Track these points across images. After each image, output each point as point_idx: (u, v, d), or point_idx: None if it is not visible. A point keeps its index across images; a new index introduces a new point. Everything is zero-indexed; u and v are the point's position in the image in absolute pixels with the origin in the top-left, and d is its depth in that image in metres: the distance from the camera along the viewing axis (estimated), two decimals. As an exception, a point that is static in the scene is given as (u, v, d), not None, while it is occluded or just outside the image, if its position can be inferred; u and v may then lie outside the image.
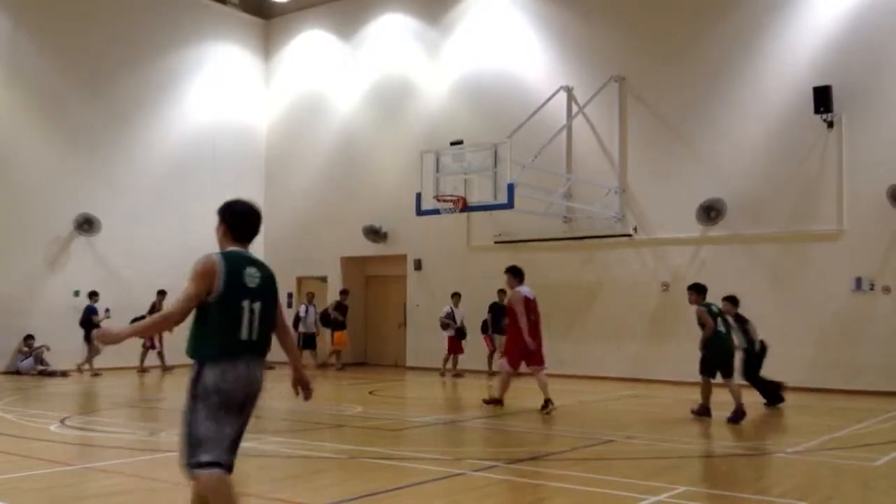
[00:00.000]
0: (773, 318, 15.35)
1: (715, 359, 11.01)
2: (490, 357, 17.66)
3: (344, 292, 20.25)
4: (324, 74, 22.60)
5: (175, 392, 13.85)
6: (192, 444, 4.22)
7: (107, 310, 17.96)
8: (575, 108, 18.01)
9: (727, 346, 11.11)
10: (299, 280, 22.35)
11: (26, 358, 17.74)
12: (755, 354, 12.28)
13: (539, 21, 18.99)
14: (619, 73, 17.54)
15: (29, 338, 17.86)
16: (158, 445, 8.93)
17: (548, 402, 11.39)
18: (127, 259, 19.55)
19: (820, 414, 12.08)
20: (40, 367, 17.61)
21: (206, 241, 5.53)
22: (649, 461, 8.17)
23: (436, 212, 15.29)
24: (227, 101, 22.63)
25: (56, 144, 19.11)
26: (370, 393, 14.80)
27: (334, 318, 19.79)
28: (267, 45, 23.87)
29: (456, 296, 18.34)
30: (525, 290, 11.69)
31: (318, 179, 22.34)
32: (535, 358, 11.58)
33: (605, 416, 11.80)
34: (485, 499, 6.45)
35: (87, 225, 19.12)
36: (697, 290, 11.33)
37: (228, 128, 22.51)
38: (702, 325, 11.00)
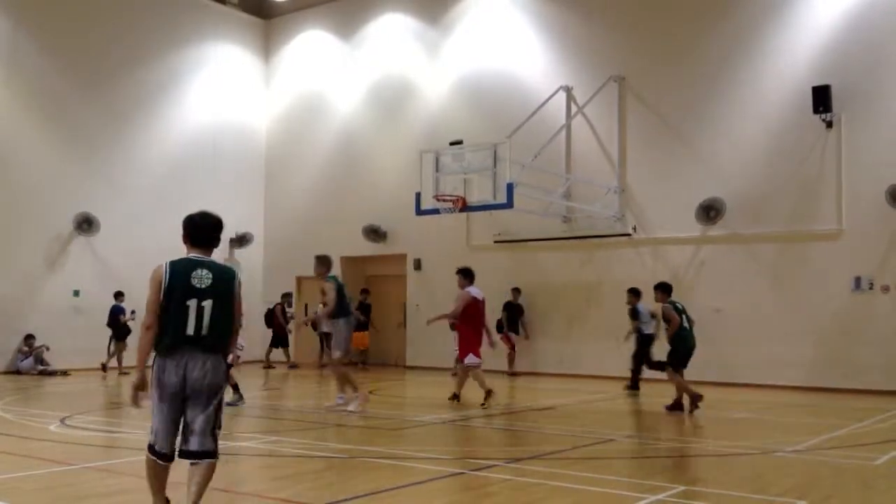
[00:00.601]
0: (772, 318, 15.43)
1: (681, 352, 11.59)
2: (510, 356, 17.74)
3: (365, 291, 20.36)
4: (324, 74, 22.61)
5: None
6: (151, 428, 4.98)
7: (132, 311, 17.71)
8: (574, 108, 18.02)
9: (690, 342, 11.65)
10: (299, 280, 22.34)
11: (26, 357, 17.76)
12: (650, 343, 14.30)
13: (539, 21, 19.00)
14: (618, 72, 17.55)
15: (29, 337, 17.87)
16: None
17: (456, 395, 12.51)
18: (126, 259, 19.47)
19: (820, 413, 12.10)
20: (40, 367, 17.64)
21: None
22: (649, 460, 8.19)
23: (435, 211, 15.30)
24: (227, 101, 22.64)
25: (56, 144, 19.12)
26: (370, 392, 14.77)
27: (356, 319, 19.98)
28: (267, 45, 23.89)
29: (464, 296, 18.39)
30: (474, 290, 12.24)
31: (318, 179, 22.35)
32: (461, 351, 12.37)
33: (605, 415, 11.80)
34: (484, 498, 6.46)
35: (86, 225, 19.13)
36: (663, 289, 12.06)
37: (228, 128, 22.52)
38: (667, 320, 11.64)
